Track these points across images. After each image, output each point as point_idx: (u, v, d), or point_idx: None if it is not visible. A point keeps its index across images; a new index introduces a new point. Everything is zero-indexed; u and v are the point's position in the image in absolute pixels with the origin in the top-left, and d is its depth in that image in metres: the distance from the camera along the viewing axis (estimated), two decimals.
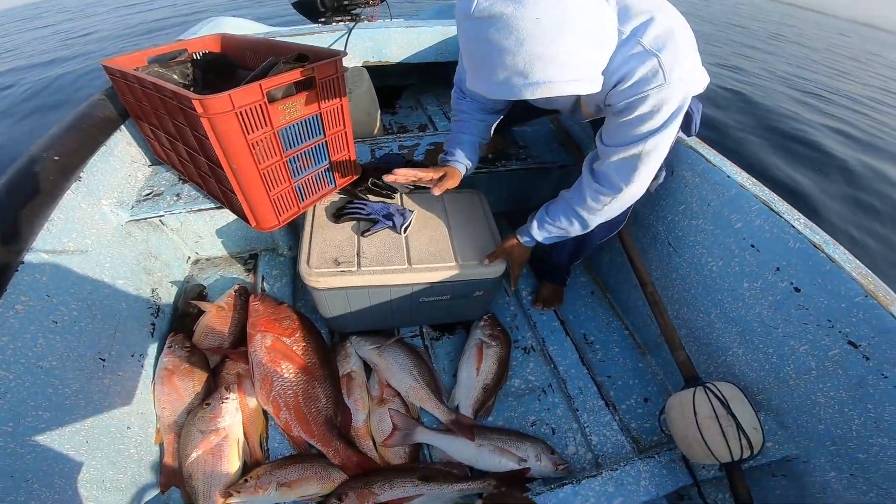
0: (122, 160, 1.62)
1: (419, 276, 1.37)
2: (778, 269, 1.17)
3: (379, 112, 2.18)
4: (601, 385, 1.62)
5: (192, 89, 1.60)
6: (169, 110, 1.28)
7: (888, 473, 1.04)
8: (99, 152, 1.50)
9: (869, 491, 1.09)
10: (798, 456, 1.24)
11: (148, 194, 1.60)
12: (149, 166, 1.73)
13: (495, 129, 1.61)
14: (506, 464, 1.37)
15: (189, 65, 1.65)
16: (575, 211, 1.22)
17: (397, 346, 1.59)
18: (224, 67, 1.73)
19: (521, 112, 1.61)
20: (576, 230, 1.28)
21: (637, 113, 0.95)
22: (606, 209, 1.17)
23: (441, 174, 1.38)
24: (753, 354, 1.29)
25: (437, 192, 1.38)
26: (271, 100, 1.18)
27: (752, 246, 1.23)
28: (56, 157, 1.35)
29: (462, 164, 1.44)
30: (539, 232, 1.33)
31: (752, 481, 1.24)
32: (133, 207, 1.54)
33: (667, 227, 1.52)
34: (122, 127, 1.64)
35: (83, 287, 1.31)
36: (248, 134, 1.16)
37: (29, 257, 1.16)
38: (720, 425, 1.10)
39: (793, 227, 1.13)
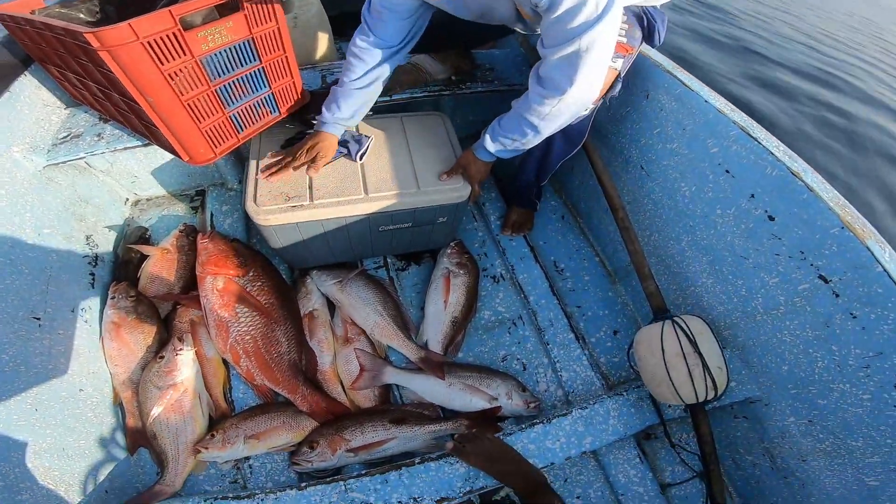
0: (31, 105, 1.46)
1: (377, 204, 1.30)
2: (752, 195, 1.14)
3: (330, 36, 2.00)
4: (571, 316, 1.61)
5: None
6: (68, 49, 1.12)
7: (845, 422, 1.06)
8: (3, 97, 1.35)
9: (825, 439, 1.11)
10: (760, 398, 1.26)
11: (65, 137, 1.46)
12: (65, 109, 1.56)
13: (461, 50, 1.51)
14: (477, 402, 1.38)
15: (96, 1, 1.43)
16: (525, 118, 1.16)
17: (360, 280, 1.53)
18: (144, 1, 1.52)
19: (475, 31, 1.49)
20: (530, 140, 1.22)
21: (565, 7, 0.91)
22: (554, 112, 1.10)
23: (313, 154, 1.31)
24: (722, 286, 1.29)
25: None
26: (188, 27, 1.05)
27: (727, 171, 1.20)
28: None
29: (340, 125, 1.35)
30: (493, 144, 1.27)
31: (715, 422, 1.29)
32: (49, 151, 1.41)
33: (640, 150, 1.47)
34: (27, 72, 1.46)
35: (2, 242, 1.21)
36: (163, 65, 1.03)
37: None
38: (687, 364, 1.11)
39: (771, 153, 1.09)
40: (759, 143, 1.12)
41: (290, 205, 1.25)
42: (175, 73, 1.07)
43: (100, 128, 1.48)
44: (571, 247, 1.84)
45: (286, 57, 1.32)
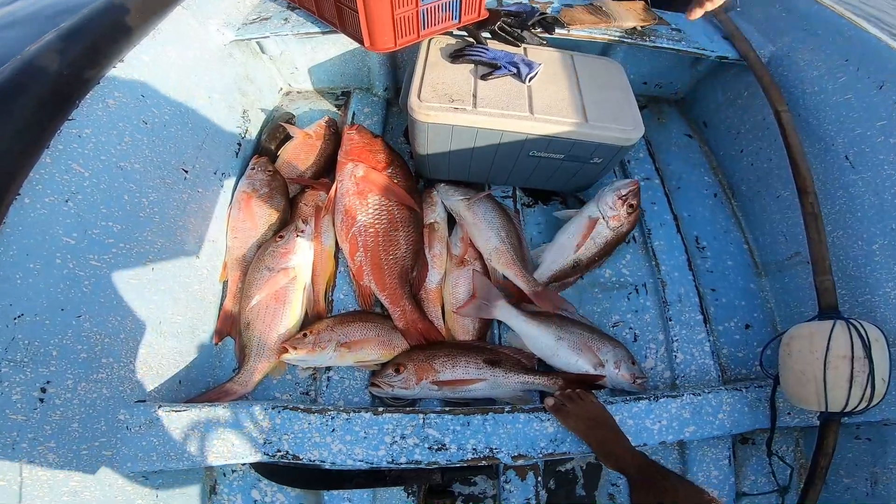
0: None
1: (540, 126, 1.30)
2: None
3: None
4: (703, 297, 1.54)
5: None
6: None
7: None
8: None
9: None
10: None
11: (255, 18, 1.63)
12: None
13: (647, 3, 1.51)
14: (582, 365, 1.34)
15: None
16: None
17: (488, 202, 1.55)
18: None
19: None
20: None
21: None
22: None
23: None
24: None
25: None
26: None
27: None
28: None
29: None
30: None
31: None
32: (239, 29, 1.58)
33: (849, 139, 1.38)
34: None
35: (179, 94, 1.35)
36: None
37: (129, 57, 1.19)
38: (852, 368, 1.03)
39: None
40: None
41: (453, 106, 1.28)
42: None
43: (287, 14, 1.63)
44: (719, 227, 1.75)
45: None
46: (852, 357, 1.05)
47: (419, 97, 1.30)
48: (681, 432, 1.19)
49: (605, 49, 1.77)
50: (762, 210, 1.69)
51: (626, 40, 1.61)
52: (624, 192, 1.43)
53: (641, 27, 1.65)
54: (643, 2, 1.77)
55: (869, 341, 1.04)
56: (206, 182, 1.44)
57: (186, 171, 1.34)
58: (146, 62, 1.25)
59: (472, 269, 1.45)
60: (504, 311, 1.40)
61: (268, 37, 1.59)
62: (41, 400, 0.89)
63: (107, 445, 1.03)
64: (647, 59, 1.91)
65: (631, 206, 1.44)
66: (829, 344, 1.08)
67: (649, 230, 1.64)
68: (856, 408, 1.04)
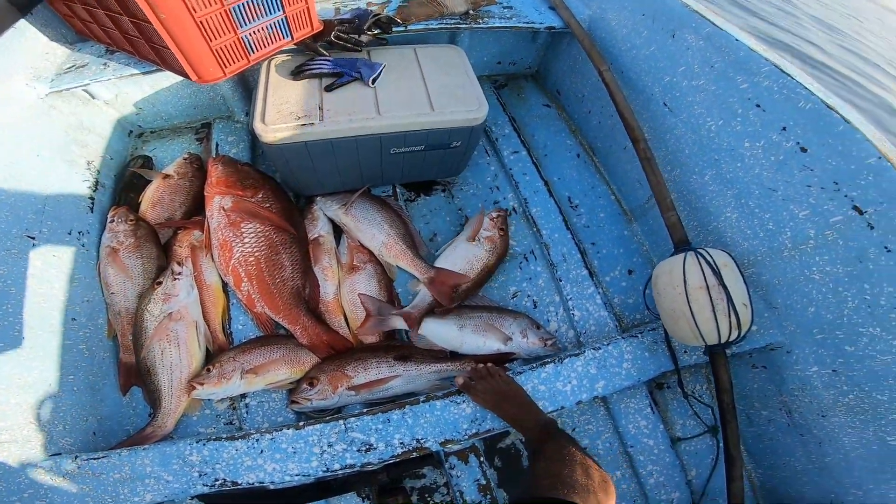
0: (36, 41, 1.62)
1: (389, 123, 1.42)
2: (784, 128, 1.23)
3: None
4: (585, 252, 1.74)
5: None
6: None
7: (872, 373, 1.10)
8: (7, 33, 1.51)
9: (850, 391, 1.17)
10: (782, 345, 1.34)
11: (70, 67, 1.62)
12: (70, 44, 1.72)
13: None
14: (491, 344, 1.47)
15: None
16: None
17: (365, 199, 1.66)
18: None
19: None
20: None
21: None
22: None
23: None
24: (748, 220, 1.36)
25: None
26: None
27: (758, 105, 1.29)
28: None
29: None
30: None
31: (732, 371, 1.35)
32: (53, 80, 1.56)
33: (663, 87, 1.60)
34: (35, 10, 1.62)
35: (1, 160, 1.34)
36: None
37: None
38: (710, 297, 1.16)
39: (806, 88, 1.18)
40: (793, 77, 1.21)
41: (299, 123, 1.37)
42: None
43: (106, 58, 1.63)
44: (587, 184, 1.98)
45: None
46: (707, 286, 1.17)
47: (264, 121, 1.38)
48: (592, 389, 1.34)
49: (451, 37, 1.93)
50: (617, 162, 1.93)
51: (461, 26, 1.77)
52: (494, 215, 1.68)
53: (474, 10, 1.82)
54: None
55: (718, 267, 1.18)
56: (61, 245, 1.44)
57: (33, 238, 1.34)
58: None
59: (364, 279, 1.59)
60: (401, 321, 1.52)
61: (88, 84, 1.58)
62: None
63: (37, 496, 1.09)
64: (493, 41, 2.11)
65: (501, 228, 1.66)
66: (685, 277, 1.21)
67: (525, 199, 1.83)
68: (731, 337, 1.16)
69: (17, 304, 1.23)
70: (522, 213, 1.85)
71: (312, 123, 1.39)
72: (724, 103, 1.40)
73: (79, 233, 1.52)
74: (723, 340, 1.17)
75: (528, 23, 1.87)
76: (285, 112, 1.41)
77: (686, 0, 1.54)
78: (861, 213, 1.07)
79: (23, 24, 1.58)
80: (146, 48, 1.45)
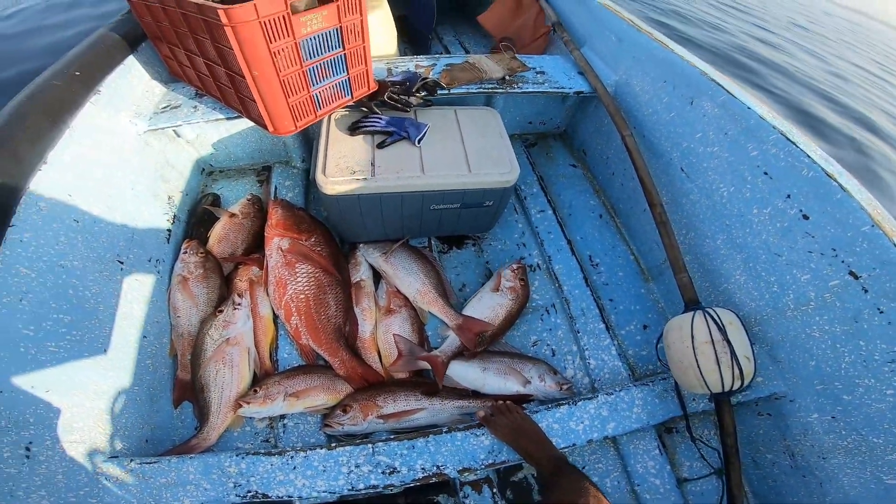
0: (139, 78, 1.89)
1: (431, 182, 1.61)
2: (788, 196, 1.35)
3: (396, 34, 2.43)
4: (603, 308, 1.86)
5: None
6: (190, 25, 1.51)
7: (868, 418, 1.21)
8: (117, 70, 1.77)
9: (848, 435, 1.27)
10: (785, 394, 1.44)
11: (165, 107, 1.87)
12: (166, 84, 1.99)
13: (508, 47, 1.88)
14: (511, 386, 1.61)
15: None
16: None
17: (404, 250, 1.85)
18: None
19: None
20: None
21: None
22: None
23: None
24: (755, 282, 1.48)
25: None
26: (294, 11, 1.39)
27: (766, 173, 1.42)
28: (77, 73, 1.61)
29: None
30: None
31: (738, 418, 1.47)
32: (151, 118, 1.81)
33: (681, 153, 1.73)
34: (140, 48, 1.90)
35: (103, 190, 1.55)
36: (271, 43, 1.38)
37: (51, 158, 1.38)
38: (715, 351, 1.27)
39: (808, 156, 1.30)
40: (797, 146, 1.33)
41: (354, 177, 1.57)
42: (279, 51, 1.41)
43: (196, 101, 1.88)
44: (607, 244, 2.11)
45: (364, 47, 1.67)
46: (713, 341, 1.28)
47: (325, 173, 1.59)
48: (603, 430, 1.44)
49: (487, 99, 2.13)
50: (637, 223, 2.07)
51: (498, 91, 1.97)
52: (511, 270, 1.84)
53: (510, 76, 2.03)
54: (511, 52, 2.17)
55: (723, 325, 1.30)
56: (142, 270, 1.66)
57: (122, 263, 1.55)
58: (67, 162, 1.44)
59: (399, 321, 1.76)
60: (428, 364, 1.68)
61: (180, 125, 1.84)
62: (27, 457, 1.10)
63: (91, 494, 1.23)
64: (525, 102, 2.31)
65: (522, 279, 1.82)
66: (692, 332, 1.33)
67: (549, 256, 1.99)
68: (734, 386, 1.27)
69: (105, 319, 1.43)
70: (546, 269, 2.01)
71: (366, 178, 1.59)
72: (736, 170, 1.53)
73: (156, 260, 1.75)
74: (726, 389, 1.28)
75: (558, 88, 2.06)
76: (343, 166, 1.62)
77: (703, 68, 1.68)
78: (856, 277, 1.19)
79: (130, 61, 1.85)
80: (234, 97, 1.70)
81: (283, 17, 1.37)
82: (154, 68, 1.99)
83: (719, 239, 1.61)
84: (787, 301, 1.38)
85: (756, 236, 1.47)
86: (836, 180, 1.23)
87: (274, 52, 1.42)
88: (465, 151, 1.73)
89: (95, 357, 1.36)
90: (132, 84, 1.85)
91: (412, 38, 3.31)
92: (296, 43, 1.46)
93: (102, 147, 1.63)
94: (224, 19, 1.30)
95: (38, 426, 1.15)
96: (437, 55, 2.19)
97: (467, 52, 3.47)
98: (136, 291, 1.60)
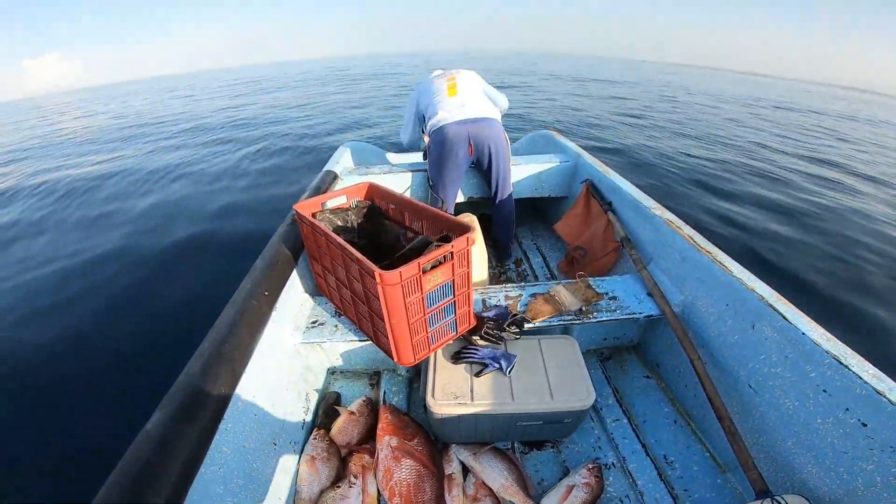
0: (297, 291, 2.61)
1: (520, 408, 2.09)
2: (847, 409, 1.62)
3: (487, 260, 3.16)
4: (677, 497, 2.13)
5: (350, 234, 2.66)
6: (347, 266, 2.15)
7: None
8: (286, 286, 2.46)
9: None
10: None
11: (314, 322, 2.55)
12: (313, 297, 2.72)
13: (587, 280, 2.53)
14: None
15: (349, 212, 2.72)
16: None
17: (490, 451, 2.31)
18: (373, 214, 2.79)
19: None
20: None
21: None
22: None
23: None
24: (826, 472, 1.70)
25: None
26: (423, 272, 1.83)
27: (825, 391, 1.70)
28: (266, 293, 2.28)
29: None
30: None
31: None
32: (304, 332, 2.48)
33: (748, 372, 2.06)
34: (299, 261, 2.65)
35: (270, 389, 2.15)
36: (406, 298, 1.96)
37: (249, 367, 1.93)
38: None
39: (860, 377, 1.59)
40: (850, 368, 1.62)
41: (457, 401, 2.12)
42: (411, 304, 1.98)
43: (336, 320, 2.56)
44: (681, 444, 2.38)
45: (468, 293, 2.28)
46: None
47: (433, 397, 2.15)
48: None
49: (565, 328, 2.67)
50: (711, 425, 2.32)
51: (575, 322, 2.52)
52: (586, 469, 2.23)
53: (586, 307, 2.58)
54: (585, 279, 2.75)
55: None
56: (286, 451, 2.20)
57: (275, 444, 2.09)
58: (256, 370, 1.90)
59: None
60: None
61: (325, 342, 2.48)
62: None
63: None
64: (594, 328, 2.83)
65: (597, 476, 2.20)
66: None
67: (624, 458, 2.34)
68: None
69: (262, 490, 1.92)
70: (620, 467, 2.32)
71: (466, 404, 2.12)
72: (798, 388, 1.81)
73: (293, 443, 2.31)
74: None
75: (629, 314, 2.53)
76: (448, 391, 2.18)
77: (762, 293, 2.03)
78: None
79: (293, 277, 2.46)
80: (369, 327, 2.24)
81: (417, 279, 1.87)
82: (306, 282, 2.73)
83: (790, 442, 1.86)
84: (857, 484, 1.60)
85: (822, 439, 1.71)
86: (885, 396, 1.51)
87: (407, 305, 1.90)
88: (548, 380, 2.22)
89: None
90: (293, 298, 2.54)
91: (495, 241, 4.05)
92: (422, 297, 1.97)
93: (274, 355, 2.24)
94: (378, 279, 1.77)
95: None
96: (522, 284, 2.80)
97: (544, 256, 4.18)
98: (281, 466, 2.12)
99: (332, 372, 2.94)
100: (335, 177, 3.71)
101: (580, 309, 2.59)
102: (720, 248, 2.46)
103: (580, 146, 4.25)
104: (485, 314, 2.52)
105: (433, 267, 1.93)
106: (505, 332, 2.43)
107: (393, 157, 5.48)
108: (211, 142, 12.95)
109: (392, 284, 1.81)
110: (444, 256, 1.95)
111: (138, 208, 7.63)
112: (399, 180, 3.94)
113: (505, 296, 2.72)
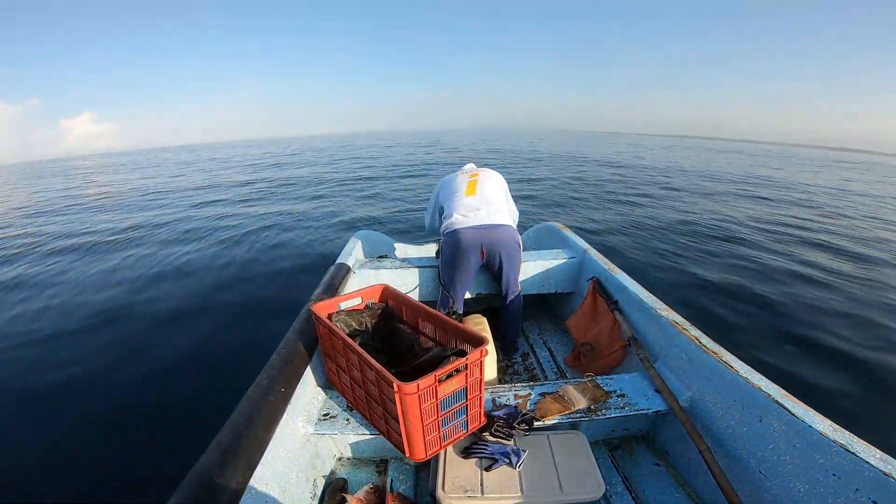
0: (310, 385, 2.78)
1: (530, 500, 2.19)
2: (857, 489, 1.75)
3: (496, 361, 3.35)
4: None
5: (365, 336, 2.86)
6: (363, 371, 2.33)
7: None
8: (300, 382, 2.63)
9: None
10: None
11: (325, 415, 2.70)
12: (325, 390, 2.89)
13: (594, 380, 2.69)
14: None
15: (364, 313, 2.93)
16: None
17: None
18: (386, 317, 3.01)
19: None
20: None
21: None
22: None
23: None
24: None
25: None
26: (439, 381, 2.14)
27: (834, 475, 1.82)
28: (283, 389, 2.45)
29: None
30: None
31: None
32: (316, 424, 2.63)
33: (757, 460, 2.12)
34: (312, 357, 2.84)
35: (280, 476, 2.24)
36: (422, 404, 2.12)
37: (265, 458, 2.08)
38: None
39: (867, 462, 1.73)
40: (857, 455, 1.76)
41: (467, 495, 2.22)
42: (426, 409, 2.16)
43: (347, 414, 2.71)
44: None
45: (480, 397, 2.44)
46: None
47: (444, 489, 2.25)
48: None
49: (573, 424, 2.78)
50: None
51: (584, 419, 2.65)
52: None
53: (594, 406, 2.71)
54: (593, 380, 2.90)
55: None
56: None
57: None
58: (269, 459, 2.05)
59: None
60: None
61: (336, 434, 2.60)
62: None
63: None
64: (602, 424, 2.94)
65: None
66: None
67: None
68: None
69: None
70: None
71: (476, 497, 2.22)
72: (808, 473, 1.92)
73: None
74: None
75: (637, 410, 2.66)
76: (457, 485, 2.29)
77: (768, 390, 2.18)
78: None
79: (307, 372, 2.61)
80: (382, 425, 2.46)
81: (433, 388, 2.04)
82: (318, 375, 2.91)
83: None
84: None
85: None
86: (892, 477, 1.64)
87: (423, 411, 2.16)
88: (558, 474, 2.33)
89: None
90: (306, 392, 2.71)
91: (503, 336, 4.24)
92: (437, 402, 2.21)
93: (286, 445, 2.36)
94: (396, 389, 1.94)
95: None
96: (532, 384, 2.96)
97: (551, 351, 4.34)
98: None
99: (338, 458, 3.01)
100: (348, 270, 3.93)
101: (588, 407, 2.72)
102: (726, 348, 2.63)
103: (587, 241, 4.51)
104: (495, 413, 2.66)
105: (448, 377, 2.10)
106: (515, 429, 2.56)
107: (401, 249, 5.84)
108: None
109: (409, 394, 1.97)
110: (459, 367, 2.12)
111: None
112: (411, 276, 4.16)
113: (514, 395, 2.87)
